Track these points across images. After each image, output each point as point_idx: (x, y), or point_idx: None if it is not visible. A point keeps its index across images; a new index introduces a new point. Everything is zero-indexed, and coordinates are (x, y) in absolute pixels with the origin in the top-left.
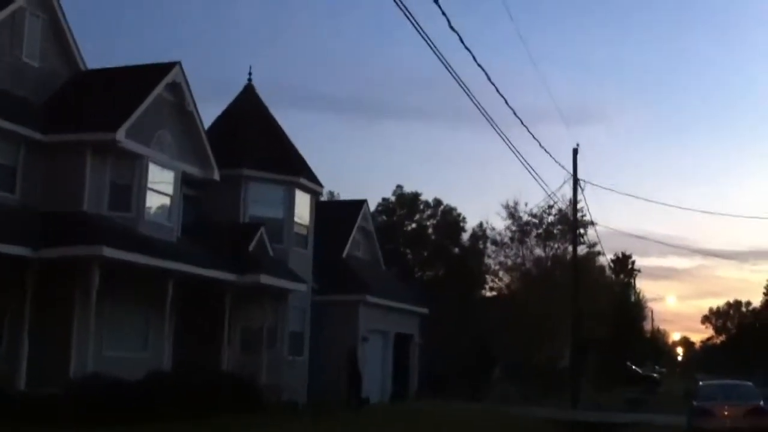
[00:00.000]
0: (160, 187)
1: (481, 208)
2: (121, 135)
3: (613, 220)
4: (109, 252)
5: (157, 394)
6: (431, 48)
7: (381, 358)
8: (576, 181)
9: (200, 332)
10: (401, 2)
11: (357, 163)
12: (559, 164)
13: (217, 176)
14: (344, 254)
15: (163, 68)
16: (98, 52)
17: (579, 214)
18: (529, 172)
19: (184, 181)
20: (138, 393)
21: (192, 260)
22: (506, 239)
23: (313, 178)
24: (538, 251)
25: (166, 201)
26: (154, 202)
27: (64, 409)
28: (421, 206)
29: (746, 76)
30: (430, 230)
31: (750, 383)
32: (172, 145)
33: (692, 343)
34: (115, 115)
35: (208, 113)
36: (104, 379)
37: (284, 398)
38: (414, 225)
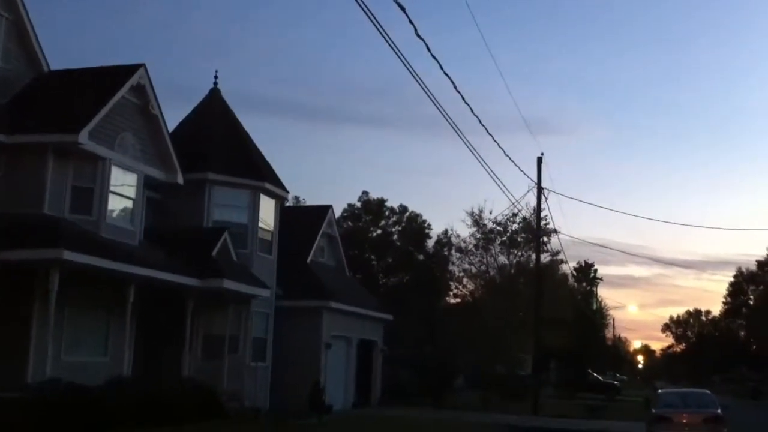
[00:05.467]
0: (123, 190)
1: (447, 215)
2: (83, 137)
3: (574, 228)
4: (69, 255)
5: (116, 400)
6: (398, 56)
7: (344, 364)
8: (540, 190)
9: (161, 337)
10: (370, 13)
11: (323, 170)
12: (523, 172)
13: (181, 180)
14: (309, 260)
15: (128, 70)
16: (62, 53)
17: (543, 223)
18: (494, 180)
19: (147, 185)
20: (96, 399)
21: (154, 265)
22: (471, 246)
23: (278, 184)
24: (502, 259)
25: (129, 204)
26: (116, 205)
27: (20, 414)
28: (387, 213)
29: (710, 91)
30: (395, 237)
31: (708, 391)
32: (136, 148)
33: (653, 351)
34: (77, 117)
35: (168, 117)
36: (62, 384)
37: (246, 405)
38: (379, 231)
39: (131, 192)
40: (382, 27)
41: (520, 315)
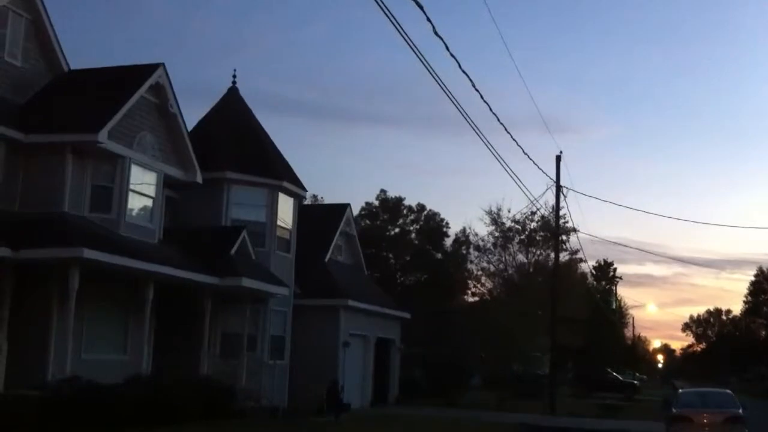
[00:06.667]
0: (142, 189)
1: (464, 213)
2: (103, 136)
3: (591, 227)
4: (89, 254)
5: (135, 398)
6: (417, 56)
7: (362, 363)
8: (558, 188)
9: (180, 335)
10: (389, 12)
11: (340, 168)
12: (542, 171)
13: (199, 179)
14: (327, 258)
15: (147, 69)
16: (82, 52)
17: (561, 221)
18: (512, 178)
19: (166, 184)
20: (115, 396)
21: (173, 263)
22: (489, 245)
23: (296, 182)
24: (521, 257)
25: (148, 203)
26: (135, 204)
27: (40, 411)
28: (405, 211)
29: (725, 88)
30: (412, 235)
31: (729, 391)
32: (155, 147)
33: (672, 351)
34: (97, 116)
35: (185, 115)
36: (82, 382)
37: (264, 403)
38: (397, 230)
39: (150, 191)
40: (402, 28)
41: (539, 313)
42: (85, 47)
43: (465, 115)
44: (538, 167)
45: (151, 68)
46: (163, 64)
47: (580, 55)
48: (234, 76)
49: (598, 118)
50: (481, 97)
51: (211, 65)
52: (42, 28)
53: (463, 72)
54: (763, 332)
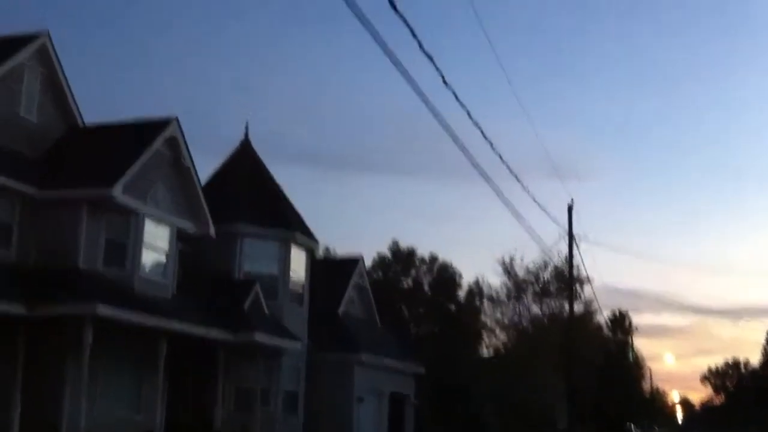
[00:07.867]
0: (156, 243)
1: (475, 260)
2: (117, 191)
3: (606, 275)
4: (103, 310)
5: None
6: (426, 105)
7: (376, 419)
8: (571, 238)
9: (194, 390)
10: (398, 61)
11: (351, 218)
12: (555, 221)
13: (212, 232)
14: (340, 311)
15: (160, 124)
16: (96, 107)
17: (575, 271)
18: (525, 229)
19: (179, 237)
20: None
21: (187, 318)
22: (502, 296)
23: (308, 234)
24: (535, 308)
25: (162, 257)
26: (149, 258)
27: None
28: (417, 262)
29: (739, 132)
30: (425, 286)
31: None
32: (168, 201)
33: (692, 405)
34: (111, 171)
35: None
36: None
37: None
38: (410, 281)
39: (164, 244)
40: (416, 84)
41: (554, 362)
42: (96, 99)
43: (478, 168)
44: (551, 218)
45: (165, 122)
46: (176, 118)
47: (590, 99)
48: (246, 129)
49: (609, 163)
50: (492, 146)
51: (223, 113)
52: (57, 82)
53: (475, 123)
54: None
